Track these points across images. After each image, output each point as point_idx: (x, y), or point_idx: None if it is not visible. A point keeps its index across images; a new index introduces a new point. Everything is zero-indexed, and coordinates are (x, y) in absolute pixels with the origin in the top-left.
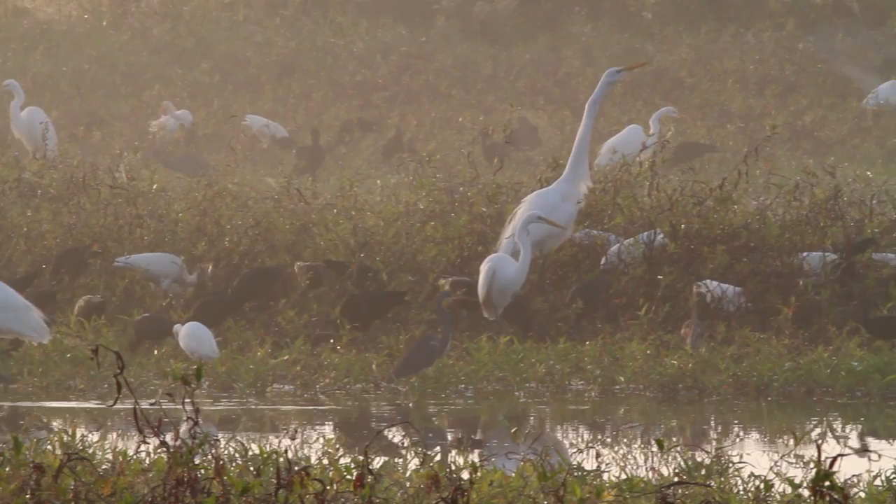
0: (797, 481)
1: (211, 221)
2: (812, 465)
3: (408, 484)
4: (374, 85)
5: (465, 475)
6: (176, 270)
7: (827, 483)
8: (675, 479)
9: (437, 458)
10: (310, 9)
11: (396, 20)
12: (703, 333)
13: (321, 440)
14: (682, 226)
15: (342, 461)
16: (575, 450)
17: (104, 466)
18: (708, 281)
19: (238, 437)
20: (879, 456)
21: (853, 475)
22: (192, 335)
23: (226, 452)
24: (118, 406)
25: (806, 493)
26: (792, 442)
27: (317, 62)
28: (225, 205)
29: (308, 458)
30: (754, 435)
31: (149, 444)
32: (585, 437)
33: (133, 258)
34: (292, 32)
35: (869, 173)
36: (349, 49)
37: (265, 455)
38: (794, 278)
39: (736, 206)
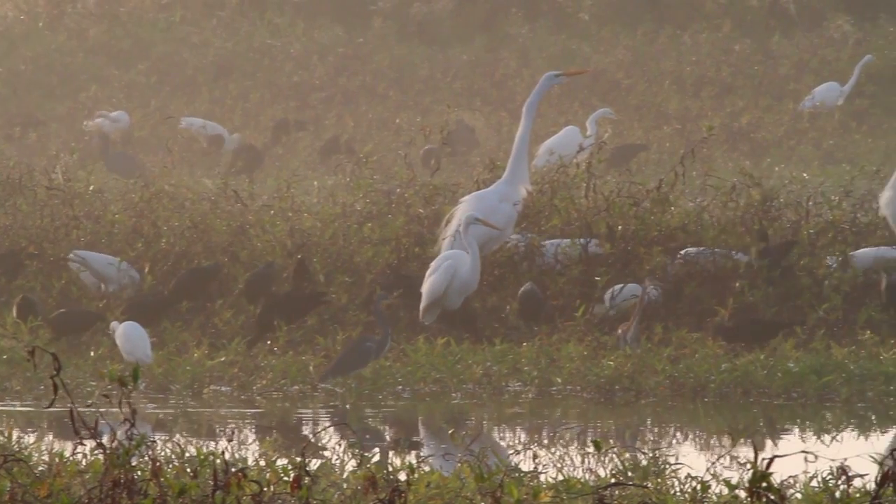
0: (734, 482)
1: (148, 223)
2: (749, 466)
3: (345, 485)
4: (310, 86)
5: (403, 476)
6: (121, 276)
7: (763, 484)
8: (612, 481)
9: (375, 459)
10: (246, 10)
11: (333, 21)
12: (639, 336)
13: (258, 442)
14: (619, 227)
15: (279, 463)
16: (512, 451)
17: (41, 468)
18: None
19: (175, 439)
20: (816, 457)
21: (790, 476)
22: (126, 337)
23: (163, 454)
24: (54, 408)
25: (743, 494)
26: (729, 443)
27: (254, 63)
28: (162, 206)
29: (245, 460)
30: (691, 436)
31: (85, 445)
32: (522, 438)
33: (89, 255)
34: (229, 33)
35: (805, 175)
36: (286, 50)
37: (202, 456)
38: (730, 280)
39: (672, 208)
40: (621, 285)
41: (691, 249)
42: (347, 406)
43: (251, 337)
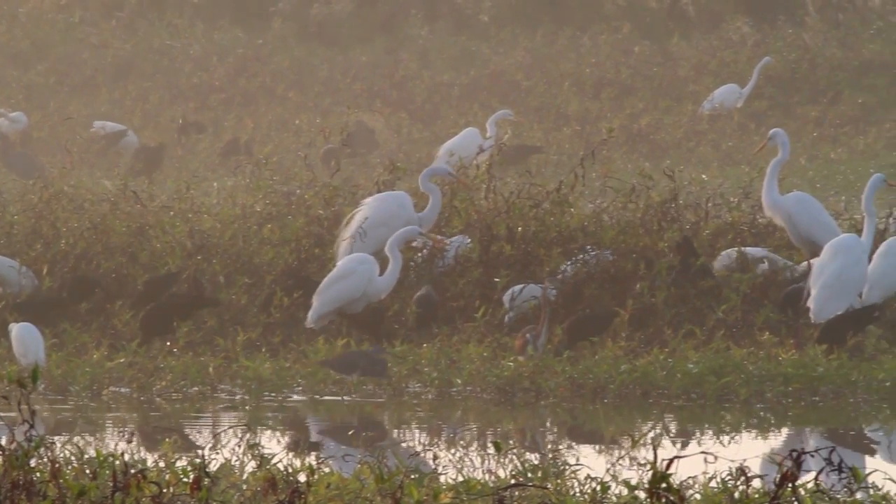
0: (633, 483)
1: (47, 224)
2: (648, 466)
3: (245, 486)
4: (210, 87)
5: (302, 478)
6: (21, 278)
7: (663, 485)
8: (512, 482)
9: (275, 460)
10: (146, 11)
11: (233, 22)
12: (541, 337)
13: (158, 443)
14: (519, 228)
15: (179, 464)
16: (412, 452)
17: None
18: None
19: (74, 440)
20: (715, 458)
21: (689, 477)
22: (20, 340)
23: (62, 455)
24: None
25: (642, 494)
26: (628, 444)
27: (153, 64)
28: (61, 207)
29: (145, 461)
30: (591, 437)
31: None
32: (423, 439)
33: None
34: (129, 34)
35: (704, 176)
36: (185, 51)
37: (101, 458)
38: (630, 281)
39: (572, 209)
40: (521, 286)
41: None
42: (248, 407)
43: (138, 340)
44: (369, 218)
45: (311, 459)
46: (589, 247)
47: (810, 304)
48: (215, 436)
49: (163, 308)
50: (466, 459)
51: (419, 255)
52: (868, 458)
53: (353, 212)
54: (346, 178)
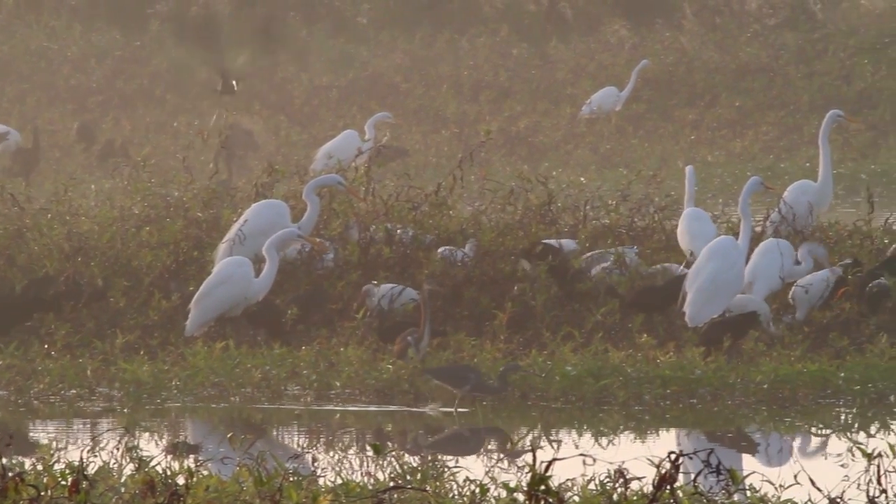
0: (512, 485)
1: None
2: (527, 469)
3: (123, 489)
4: (88, 89)
5: (181, 480)
6: None
7: (542, 487)
8: (391, 484)
9: (153, 463)
10: (23, 12)
11: (110, 24)
12: (422, 340)
13: (35, 446)
14: (398, 231)
15: (57, 467)
16: (291, 455)
17: None
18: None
19: None
20: (594, 460)
21: (568, 479)
22: None
23: None
24: None
25: (521, 497)
26: (507, 446)
27: (30, 66)
28: None
29: (22, 464)
30: (470, 439)
31: None
32: (302, 441)
33: None
34: (5, 36)
35: (582, 179)
36: (63, 53)
37: None
38: (509, 283)
39: (451, 212)
40: (397, 287)
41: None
42: (126, 410)
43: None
44: (248, 223)
45: (190, 462)
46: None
47: (686, 307)
48: (93, 438)
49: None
50: (345, 462)
51: (297, 258)
52: (746, 460)
53: (245, 216)
54: (225, 179)
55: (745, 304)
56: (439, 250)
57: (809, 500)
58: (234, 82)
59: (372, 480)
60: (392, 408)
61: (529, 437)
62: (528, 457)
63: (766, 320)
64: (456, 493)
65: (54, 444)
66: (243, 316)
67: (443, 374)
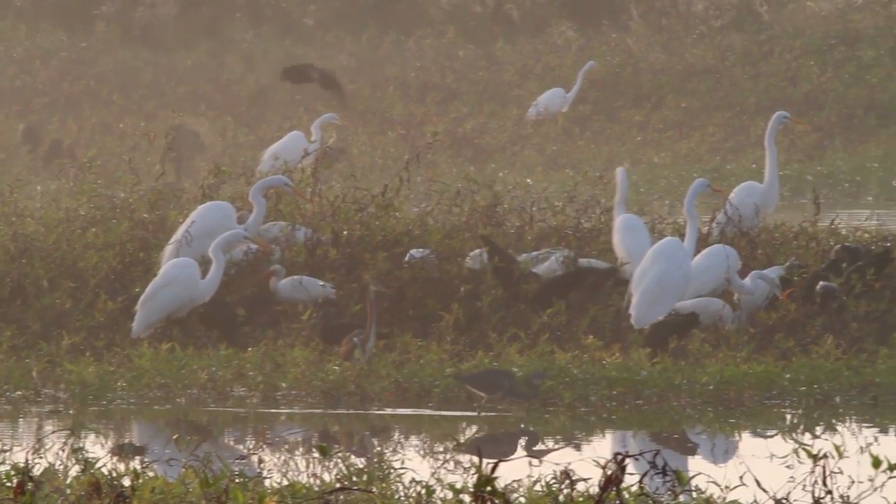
0: (458, 486)
1: None
2: (473, 470)
3: (69, 491)
4: (33, 90)
5: (127, 482)
6: None
7: (488, 488)
8: (338, 485)
9: (99, 464)
10: None
11: (56, 25)
12: (368, 341)
13: None
14: (345, 232)
15: (2, 468)
16: (237, 456)
17: None
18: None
19: None
20: (540, 461)
21: (514, 480)
22: None
23: None
24: None
25: (467, 498)
26: (453, 448)
27: None
28: None
29: None
30: (416, 441)
31: None
32: (248, 443)
33: None
34: None
35: (529, 180)
36: (8, 54)
37: None
38: (455, 284)
39: (397, 213)
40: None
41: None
42: (72, 411)
43: None
44: (195, 224)
45: (136, 464)
46: (414, 250)
47: (631, 309)
48: (39, 440)
49: None
50: (292, 463)
51: (243, 259)
52: (691, 461)
53: (191, 218)
54: (171, 181)
55: (706, 305)
56: (411, 251)
57: (755, 501)
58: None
59: (318, 482)
60: (338, 408)
61: (476, 438)
62: (475, 458)
63: (729, 319)
64: (402, 494)
65: None
66: (197, 317)
67: (476, 381)
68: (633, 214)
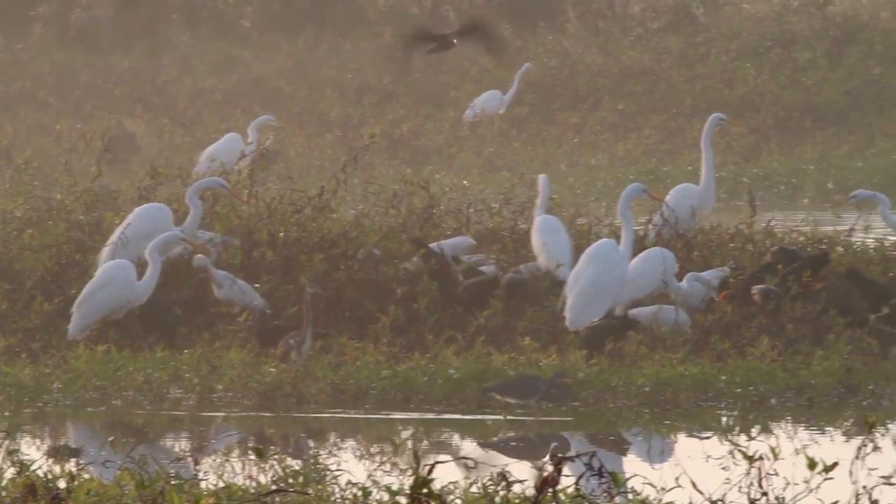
0: (395, 488)
1: None
2: (410, 472)
3: (4, 493)
4: None
5: (63, 484)
6: None
7: (424, 490)
8: (274, 487)
9: (34, 466)
10: None
11: None
12: (304, 343)
13: None
14: (281, 234)
15: None
16: (173, 458)
17: None
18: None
19: None
20: (476, 463)
21: (450, 482)
22: None
23: None
24: None
25: (404, 500)
26: (390, 449)
27: None
28: None
29: None
30: (352, 443)
31: None
32: (184, 445)
33: None
34: None
35: (465, 182)
36: None
37: None
38: (391, 286)
39: (334, 215)
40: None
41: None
42: (7, 413)
43: None
44: (131, 226)
45: (72, 466)
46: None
47: (566, 312)
48: None
49: None
50: (228, 465)
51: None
52: (628, 463)
53: (127, 220)
54: (108, 183)
55: (665, 312)
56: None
57: (691, 502)
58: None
59: (254, 484)
60: (275, 410)
61: (412, 440)
62: (411, 460)
63: (685, 325)
64: (338, 496)
65: None
66: (136, 318)
67: (508, 390)
68: (551, 216)
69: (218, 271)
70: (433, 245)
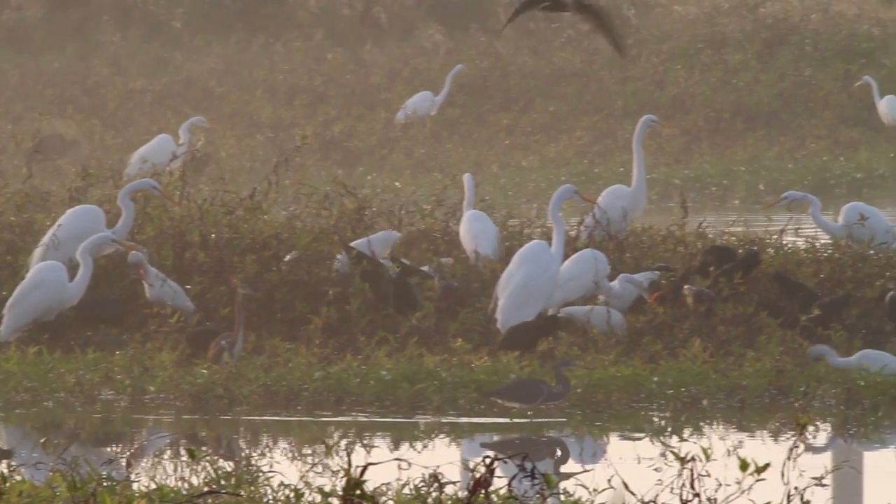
0: (327, 490)
1: None
2: (342, 473)
3: None
4: None
5: None
6: None
7: (357, 491)
8: (206, 489)
9: None
10: None
11: None
12: (236, 344)
13: None
14: (213, 235)
15: None
16: (105, 460)
17: None
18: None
19: None
20: (409, 464)
21: (383, 483)
22: None
23: None
24: None
25: (336, 501)
26: (322, 451)
27: None
28: None
29: None
30: (285, 445)
31: None
32: (116, 446)
33: None
34: None
35: (397, 184)
36: None
37: None
38: (323, 287)
39: (266, 216)
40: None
41: None
42: None
43: None
44: (62, 228)
45: (3, 467)
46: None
47: (498, 313)
48: None
49: None
50: (160, 467)
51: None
52: (560, 464)
53: (58, 222)
54: (38, 184)
55: (597, 312)
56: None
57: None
58: None
59: (187, 485)
60: (207, 411)
61: (344, 441)
62: (343, 461)
63: (620, 327)
64: (271, 497)
65: None
66: (80, 313)
67: (511, 394)
68: (479, 211)
69: (150, 268)
70: (360, 241)
